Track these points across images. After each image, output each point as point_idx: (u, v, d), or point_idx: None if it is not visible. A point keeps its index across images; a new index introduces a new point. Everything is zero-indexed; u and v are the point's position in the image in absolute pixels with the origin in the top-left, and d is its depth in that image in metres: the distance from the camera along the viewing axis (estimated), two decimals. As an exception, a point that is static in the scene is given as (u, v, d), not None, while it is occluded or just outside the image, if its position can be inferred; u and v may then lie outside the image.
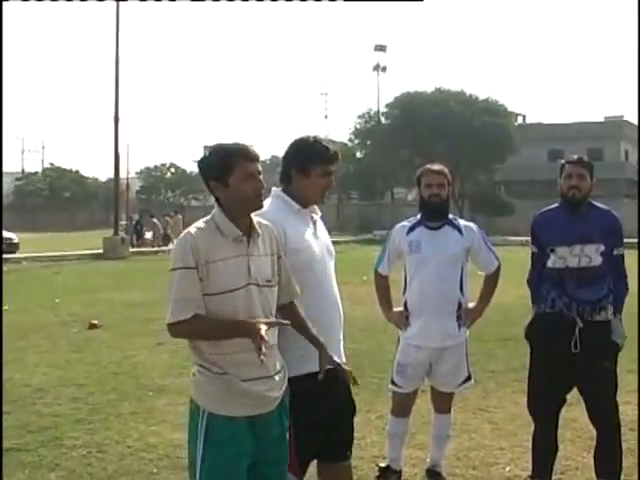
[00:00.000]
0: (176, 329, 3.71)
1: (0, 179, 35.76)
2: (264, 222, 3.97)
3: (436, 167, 5.91)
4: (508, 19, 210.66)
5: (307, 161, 4.39)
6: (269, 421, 3.87)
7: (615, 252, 5.62)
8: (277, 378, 3.89)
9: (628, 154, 78.00)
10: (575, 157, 5.71)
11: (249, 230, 3.83)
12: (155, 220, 48.70)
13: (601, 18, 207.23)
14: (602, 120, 78.27)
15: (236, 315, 3.71)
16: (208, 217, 3.85)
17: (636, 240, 28.07)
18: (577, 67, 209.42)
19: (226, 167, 3.77)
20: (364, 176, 68.09)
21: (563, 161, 5.73)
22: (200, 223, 3.82)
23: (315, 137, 4.55)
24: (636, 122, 73.81)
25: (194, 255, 3.66)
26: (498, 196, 62.84)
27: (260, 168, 3.85)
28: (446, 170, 5.92)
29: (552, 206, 5.82)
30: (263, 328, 3.61)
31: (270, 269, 3.90)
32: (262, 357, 3.57)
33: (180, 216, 48.79)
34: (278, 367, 3.93)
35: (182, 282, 3.67)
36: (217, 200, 3.87)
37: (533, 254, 5.86)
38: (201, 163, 3.90)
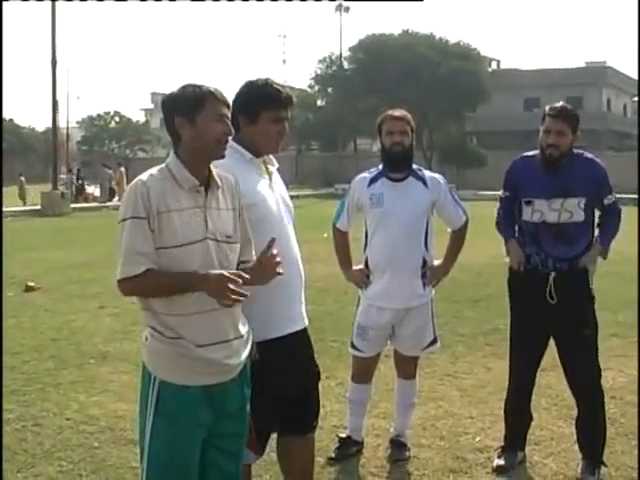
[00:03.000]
0: (127, 286, 3.63)
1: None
2: (225, 175, 3.90)
3: (398, 113, 5.86)
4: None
5: (255, 105, 4.30)
6: (228, 391, 3.81)
7: (606, 201, 5.67)
8: (237, 343, 3.81)
9: (610, 103, 78.39)
10: (558, 107, 5.60)
11: (207, 181, 3.76)
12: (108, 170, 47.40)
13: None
14: (583, 66, 78.50)
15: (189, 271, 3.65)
16: (162, 165, 3.77)
17: (635, 196, 28.39)
18: (556, 7, 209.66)
19: (197, 103, 3.69)
20: (325, 125, 67.81)
21: (547, 108, 5.67)
22: (153, 171, 3.73)
23: (267, 79, 4.45)
24: (620, 68, 74.61)
25: (145, 204, 3.57)
26: (469, 147, 62.79)
27: (230, 116, 3.80)
28: (409, 116, 5.87)
29: (533, 152, 5.79)
30: (227, 276, 3.53)
31: (232, 225, 3.83)
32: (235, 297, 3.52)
33: (123, 169, 47.59)
34: (241, 331, 3.85)
35: (133, 233, 3.58)
36: (175, 145, 3.79)
37: (502, 198, 5.93)
38: (168, 97, 3.80)
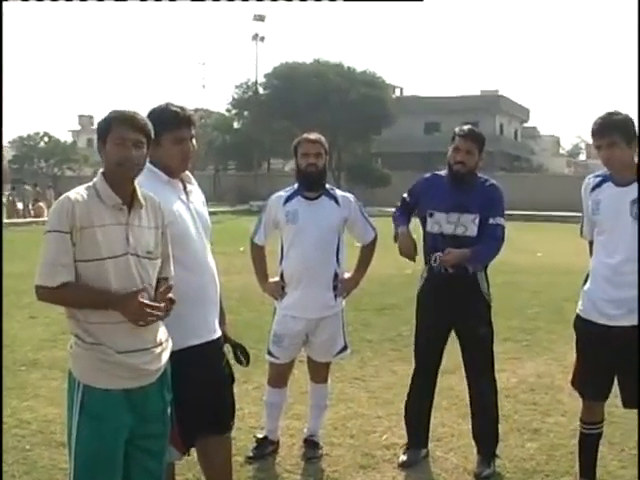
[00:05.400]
0: (43, 293, 3.66)
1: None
2: (151, 195, 3.89)
3: (313, 136, 5.89)
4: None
5: (156, 129, 4.01)
6: (148, 395, 3.81)
7: (491, 221, 5.68)
8: (157, 351, 3.81)
9: (503, 128, 79.82)
10: (467, 129, 5.71)
11: (131, 199, 3.75)
12: (28, 187, 46.58)
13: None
14: (478, 94, 79.71)
15: (110, 284, 3.63)
16: (89, 183, 3.77)
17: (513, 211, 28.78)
18: (454, 41, 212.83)
19: (106, 127, 3.73)
20: (241, 147, 67.43)
21: (457, 129, 5.76)
22: (80, 188, 3.74)
23: (167, 103, 4.40)
24: (511, 97, 76.06)
25: (69, 219, 3.58)
26: (375, 168, 63.18)
27: (143, 139, 3.75)
28: (323, 139, 5.89)
29: (442, 172, 5.87)
30: (140, 303, 3.61)
31: (153, 242, 3.82)
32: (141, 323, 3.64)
33: (28, 187, 46.31)
34: (160, 339, 3.85)
35: (54, 246, 3.59)
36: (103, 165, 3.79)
37: (403, 198, 6.02)
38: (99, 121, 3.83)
